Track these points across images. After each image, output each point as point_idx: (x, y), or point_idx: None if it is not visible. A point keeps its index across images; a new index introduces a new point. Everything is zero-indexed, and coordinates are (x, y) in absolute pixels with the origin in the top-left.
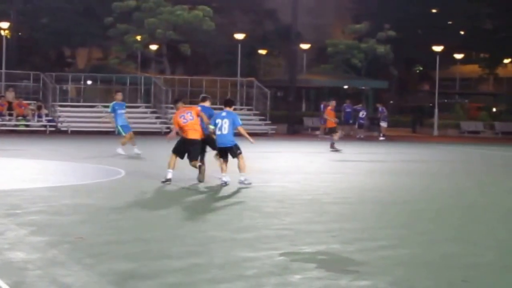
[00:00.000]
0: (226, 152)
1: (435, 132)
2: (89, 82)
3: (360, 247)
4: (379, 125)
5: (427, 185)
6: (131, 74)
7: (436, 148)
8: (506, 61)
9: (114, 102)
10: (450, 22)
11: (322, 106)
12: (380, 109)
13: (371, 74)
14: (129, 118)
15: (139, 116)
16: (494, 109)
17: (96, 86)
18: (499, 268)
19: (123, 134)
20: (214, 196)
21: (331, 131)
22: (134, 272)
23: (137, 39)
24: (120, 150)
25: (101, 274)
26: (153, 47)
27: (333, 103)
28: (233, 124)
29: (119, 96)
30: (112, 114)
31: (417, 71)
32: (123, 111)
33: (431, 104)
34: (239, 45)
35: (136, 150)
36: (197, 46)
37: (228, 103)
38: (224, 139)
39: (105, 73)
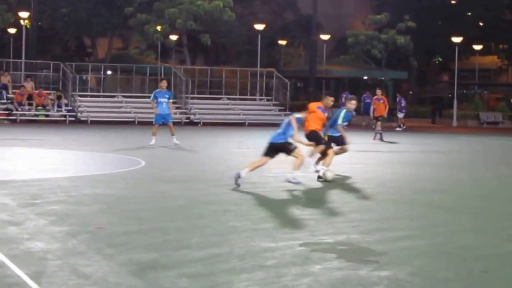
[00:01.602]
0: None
1: (454, 123)
2: (109, 72)
3: (379, 238)
4: (397, 116)
5: (446, 175)
6: (151, 64)
7: (456, 139)
8: None
9: (156, 90)
10: (469, 13)
11: (343, 96)
12: (397, 99)
13: (391, 65)
14: (149, 108)
15: None
16: None
17: (116, 76)
18: None
19: (154, 123)
20: (234, 187)
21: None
22: (154, 262)
23: (157, 29)
24: (175, 140)
25: (121, 264)
26: (173, 37)
27: (378, 92)
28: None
29: (163, 84)
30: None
31: (437, 62)
32: (163, 99)
33: (450, 95)
34: (259, 36)
35: (175, 141)
36: (217, 37)
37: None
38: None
39: (125, 63)
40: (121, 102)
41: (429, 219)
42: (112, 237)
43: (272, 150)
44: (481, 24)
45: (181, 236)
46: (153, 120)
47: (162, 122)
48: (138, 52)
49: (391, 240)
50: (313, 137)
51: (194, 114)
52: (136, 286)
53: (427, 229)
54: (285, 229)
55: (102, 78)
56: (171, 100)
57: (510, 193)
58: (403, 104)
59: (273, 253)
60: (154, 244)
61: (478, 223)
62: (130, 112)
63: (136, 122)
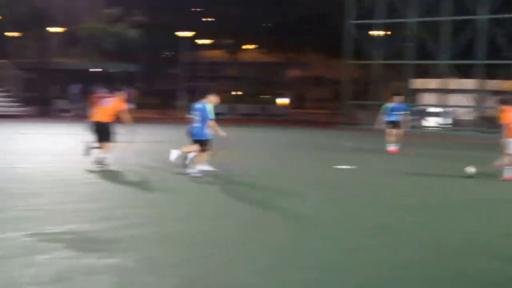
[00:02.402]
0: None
1: (183, 114)
2: None
3: (108, 226)
4: None
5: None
6: None
7: (184, 129)
8: (247, 47)
9: None
10: (198, 9)
11: (72, 88)
12: (127, 91)
13: (122, 58)
14: None
15: None
16: (237, 92)
17: None
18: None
19: None
20: None
21: None
22: None
23: None
24: None
25: None
26: None
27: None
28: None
29: None
30: None
31: (167, 55)
32: None
33: (179, 88)
34: None
35: None
36: None
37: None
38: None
39: None
40: None
41: (157, 208)
42: None
43: None
44: (209, 19)
45: None
46: None
47: None
48: None
49: (119, 229)
50: None
51: None
52: None
53: (156, 217)
54: (11, 220)
55: None
56: None
57: (254, 183)
58: (132, 97)
59: None
60: None
61: (217, 209)
62: None
63: None
